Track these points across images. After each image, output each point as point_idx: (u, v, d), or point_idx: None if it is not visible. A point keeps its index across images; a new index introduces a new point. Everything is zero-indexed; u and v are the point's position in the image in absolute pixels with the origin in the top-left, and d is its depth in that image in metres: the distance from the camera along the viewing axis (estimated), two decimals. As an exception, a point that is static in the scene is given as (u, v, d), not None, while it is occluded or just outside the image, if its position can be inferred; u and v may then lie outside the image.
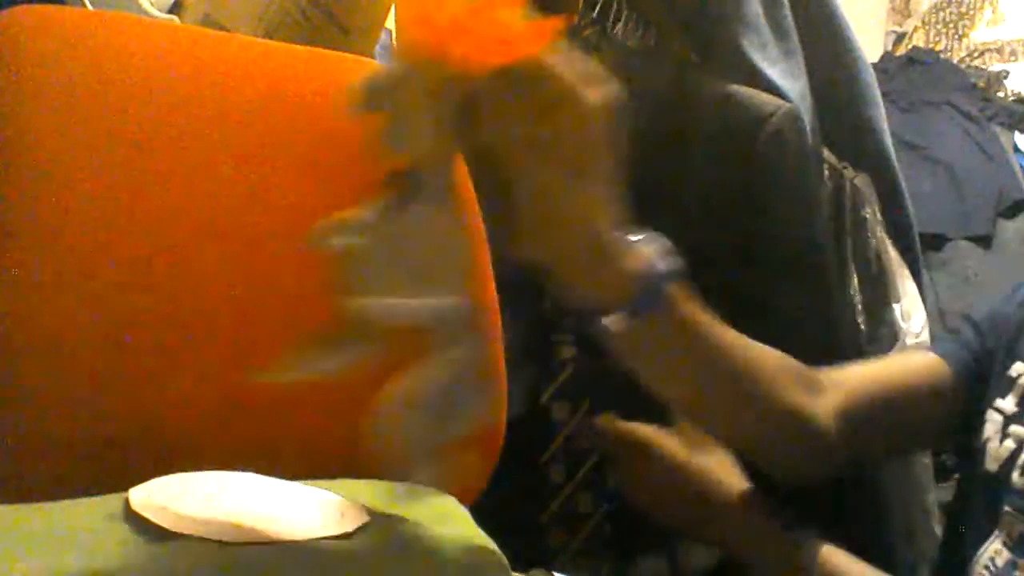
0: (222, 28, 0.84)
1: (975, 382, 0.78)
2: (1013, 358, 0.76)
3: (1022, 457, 0.71)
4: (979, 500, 0.74)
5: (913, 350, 0.85)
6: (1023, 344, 0.76)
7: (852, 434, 0.76)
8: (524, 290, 0.88)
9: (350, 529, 0.48)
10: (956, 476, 0.85)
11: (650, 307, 0.57)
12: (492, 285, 0.68)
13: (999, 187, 2.22)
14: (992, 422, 0.74)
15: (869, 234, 1.03)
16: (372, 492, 0.54)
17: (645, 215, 0.71)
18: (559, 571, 0.80)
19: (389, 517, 0.50)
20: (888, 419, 0.79)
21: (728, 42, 0.91)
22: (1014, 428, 0.72)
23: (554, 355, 0.89)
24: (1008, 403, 0.74)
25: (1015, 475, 0.70)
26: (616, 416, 0.84)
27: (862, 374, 0.80)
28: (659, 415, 0.87)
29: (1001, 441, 0.73)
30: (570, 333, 0.89)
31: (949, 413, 0.79)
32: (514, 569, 0.52)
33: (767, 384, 0.69)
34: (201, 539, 0.43)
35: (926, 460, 1.05)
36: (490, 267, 0.68)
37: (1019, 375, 0.75)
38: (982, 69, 2.65)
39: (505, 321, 0.68)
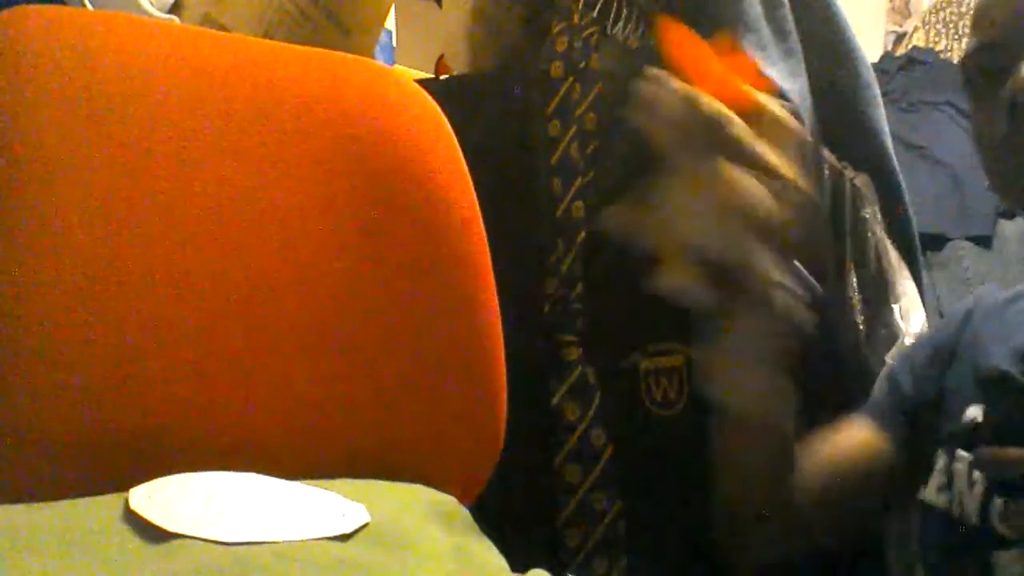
0: (222, 28, 0.85)
1: (910, 443, 0.78)
2: (965, 402, 0.74)
3: (995, 505, 0.68)
4: (965, 557, 0.71)
5: (848, 421, 0.86)
6: (969, 385, 0.74)
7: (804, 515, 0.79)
8: (524, 291, 0.88)
9: (350, 529, 0.48)
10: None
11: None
12: (493, 286, 0.68)
13: (999, 187, 2.22)
14: (958, 475, 0.72)
15: (869, 234, 1.03)
16: (372, 492, 0.54)
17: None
18: (574, 572, 0.80)
19: (389, 517, 0.50)
20: (834, 501, 0.80)
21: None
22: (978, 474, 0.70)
23: (561, 356, 0.89)
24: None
25: (998, 525, 0.68)
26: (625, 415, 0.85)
27: (811, 458, 0.81)
28: (667, 406, 0.88)
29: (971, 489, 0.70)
30: (575, 334, 0.90)
31: (890, 482, 0.80)
32: (514, 569, 0.52)
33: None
34: (201, 539, 0.44)
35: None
36: (491, 268, 0.68)
37: (975, 418, 0.73)
38: (982, 69, 2.64)
39: (507, 323, 0.68)
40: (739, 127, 0.58)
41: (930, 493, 0.74)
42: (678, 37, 0.60)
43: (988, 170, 0.75)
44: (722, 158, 0.57)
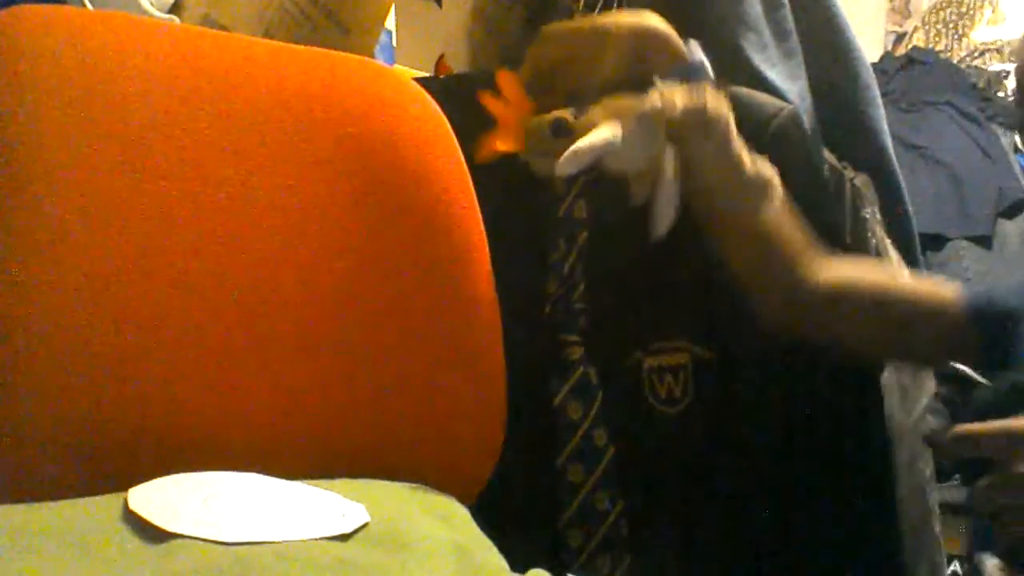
0: (222, 28, 0.84)
1: (992, 335, 0.77)
2: None
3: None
4: None
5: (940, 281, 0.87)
6: None
7: (836, 311, 0.81)
8: (526, 291, 0.88)
9: (350, 529, 0.48)
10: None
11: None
12: (493, 285, 0.68)
13: (999, 187, 2.22)
14: None
15: (869, 234, 1.03)
16: (372, 492, 0.54)
17: (647, 218, 0.72)
18: (575, 571, 0.81)
19: (389, 517, 0.50)
20: (875, 314, 0.82)
21: (728, 42, 0.91)
22: None
23: (563, 355, 0.89)
24: None
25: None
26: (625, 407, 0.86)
27: (865, 267, 0.85)
28: (671, 403, 0.88)
29: None
30: (577, 333, 0.90)
31: (947, 340, 0.80)
32: (515, 569, 0.52)
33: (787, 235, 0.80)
34: (201, 539, 0.44)
35: (927, 459, 1.05)
36: (491, 268, 0.68)
37: None
38: (982, 69, 2.65)
39: (509, 323, 0.68)
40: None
41: None
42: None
43: None
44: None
